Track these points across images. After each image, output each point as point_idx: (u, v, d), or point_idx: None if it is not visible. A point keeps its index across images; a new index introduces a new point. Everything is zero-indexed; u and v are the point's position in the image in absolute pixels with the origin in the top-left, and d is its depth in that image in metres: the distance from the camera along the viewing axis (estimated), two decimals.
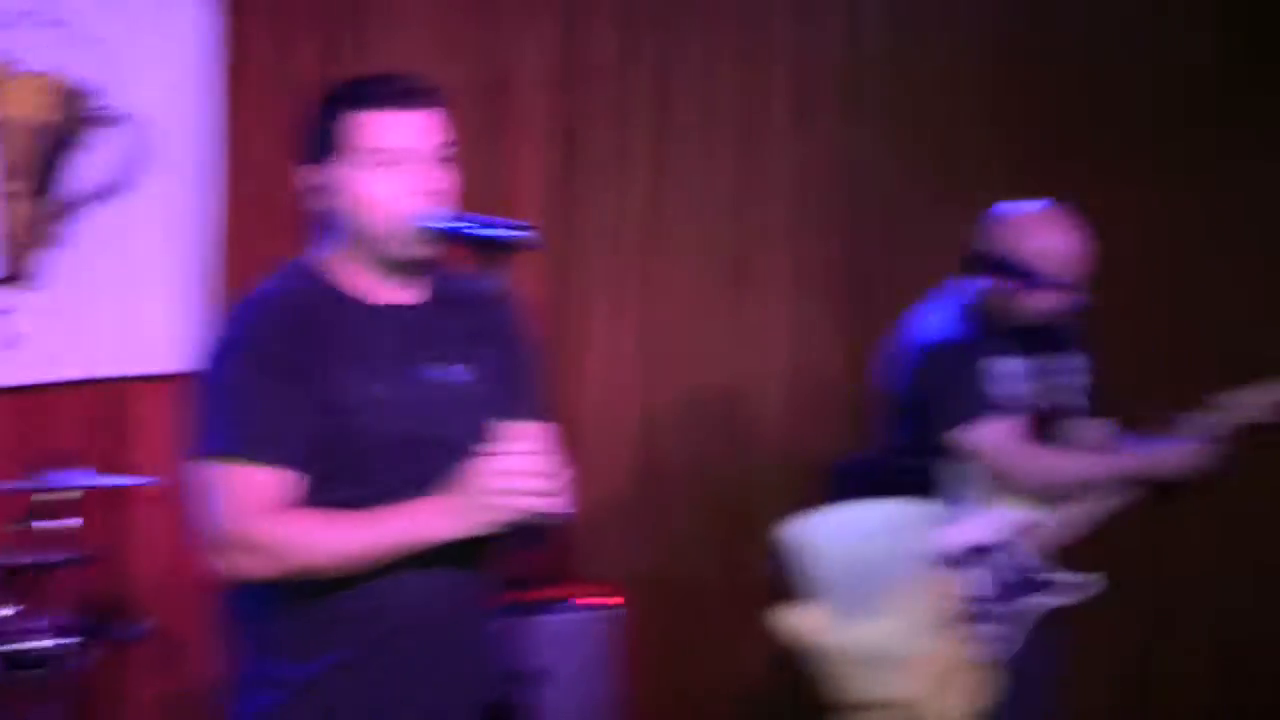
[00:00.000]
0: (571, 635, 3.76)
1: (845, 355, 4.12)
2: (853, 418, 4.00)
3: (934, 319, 3.39)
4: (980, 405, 3.29)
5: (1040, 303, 3.30)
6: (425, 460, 2.20)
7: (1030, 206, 3.41)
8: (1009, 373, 3.35)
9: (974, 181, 4.09)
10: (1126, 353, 4.03)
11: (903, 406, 3.33)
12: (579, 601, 3.84)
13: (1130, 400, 3.86)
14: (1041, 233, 3.32)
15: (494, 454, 2.09)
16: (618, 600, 3.79)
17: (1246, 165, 4.25)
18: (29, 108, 3.92)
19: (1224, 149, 4.29)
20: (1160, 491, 3.43)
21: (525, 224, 2.16)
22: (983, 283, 3.30)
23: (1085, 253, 3.32)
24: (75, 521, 3.59)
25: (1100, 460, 3.42)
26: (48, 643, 3.45)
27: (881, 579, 0.80)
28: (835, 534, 0.77)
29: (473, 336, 2.37)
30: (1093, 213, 3.54)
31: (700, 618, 4.10)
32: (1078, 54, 4.27)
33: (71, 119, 3.96)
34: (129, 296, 4.09)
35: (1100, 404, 3.55)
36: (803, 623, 0.82)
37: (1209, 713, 4.10)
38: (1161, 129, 4.25)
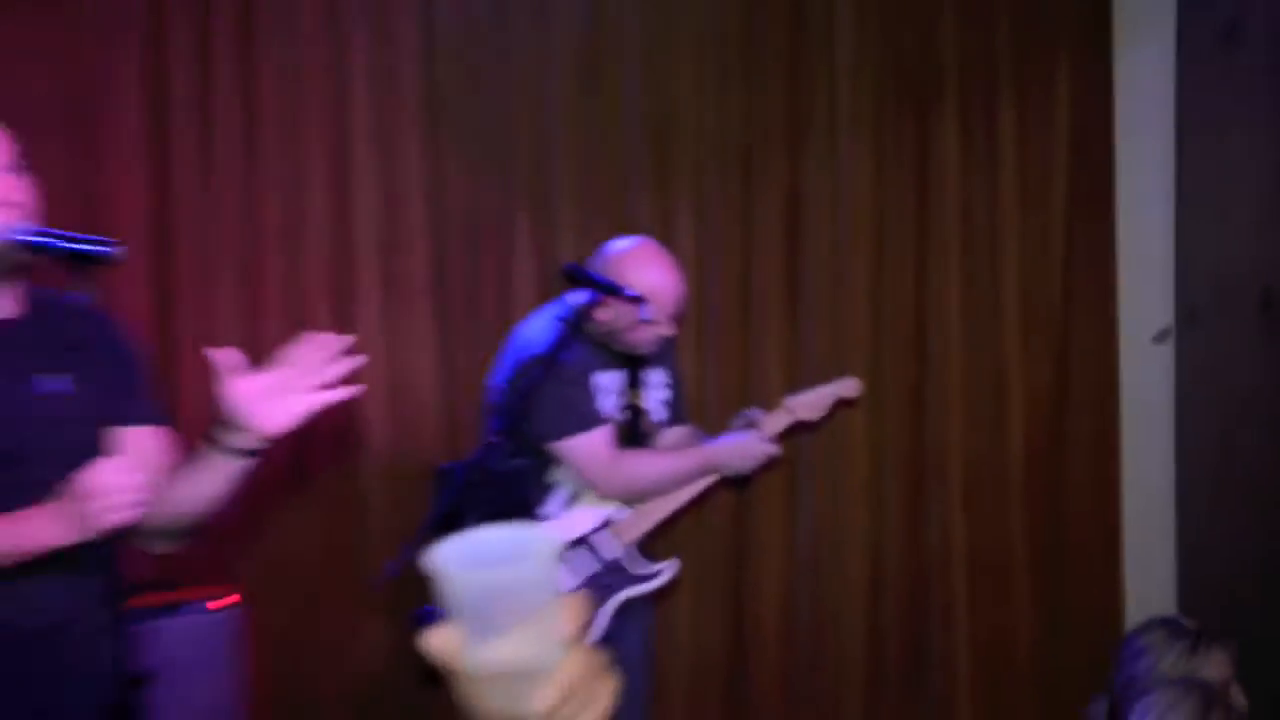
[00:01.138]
0: (189, 636, 3.71)
1: (437, 367, 4.25)
2: (449, 426, 4.17)
3: (538, 332, 3.45)
4: (577, 417, 3.42)
5: (640, 331, 3.43)
6: (30, 472, 2.15)
7: (637, 242, 3.55)
8: (604, 385, 3.49)
9: (560, 205, 4.32)
10: (710, 364, 4.41)
11: (505, 414, 3.35)
12: (196, 602, 3.77)
13: (713, 407, 4.25)
14: (645, 267, 3.45)
15: (101, 464, 2.04)
16: (234, 599, 3.76)
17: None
18: None
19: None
20: (732, 481, 3.66)
21: (112, 240, 2.09)
22: (587, 303, 3.38)
23: (680, 285, 3.50)
24: None
25: (678, 459, 3.59)
26: None
27: (510, 601, 0.87)
28: (464, 559, 0.82)
29: (73, 347, 2.33)
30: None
31: (316, 619, 4.08)
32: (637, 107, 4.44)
33: None
34: None
35: (681, 411, 3.77)
36: (441, 644, 0.88)
37: (791, 691, 4.48)
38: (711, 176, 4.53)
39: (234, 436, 2.17)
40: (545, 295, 3.88)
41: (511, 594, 0.97)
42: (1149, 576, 4.56)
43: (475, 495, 3.20)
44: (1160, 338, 4.46)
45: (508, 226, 4.27)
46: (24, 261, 2.20)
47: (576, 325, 3.31)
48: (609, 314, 3.37)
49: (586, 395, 3.46)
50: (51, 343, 2.36)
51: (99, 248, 2.07)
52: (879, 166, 4.45)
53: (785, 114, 4.41)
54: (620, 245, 3.51)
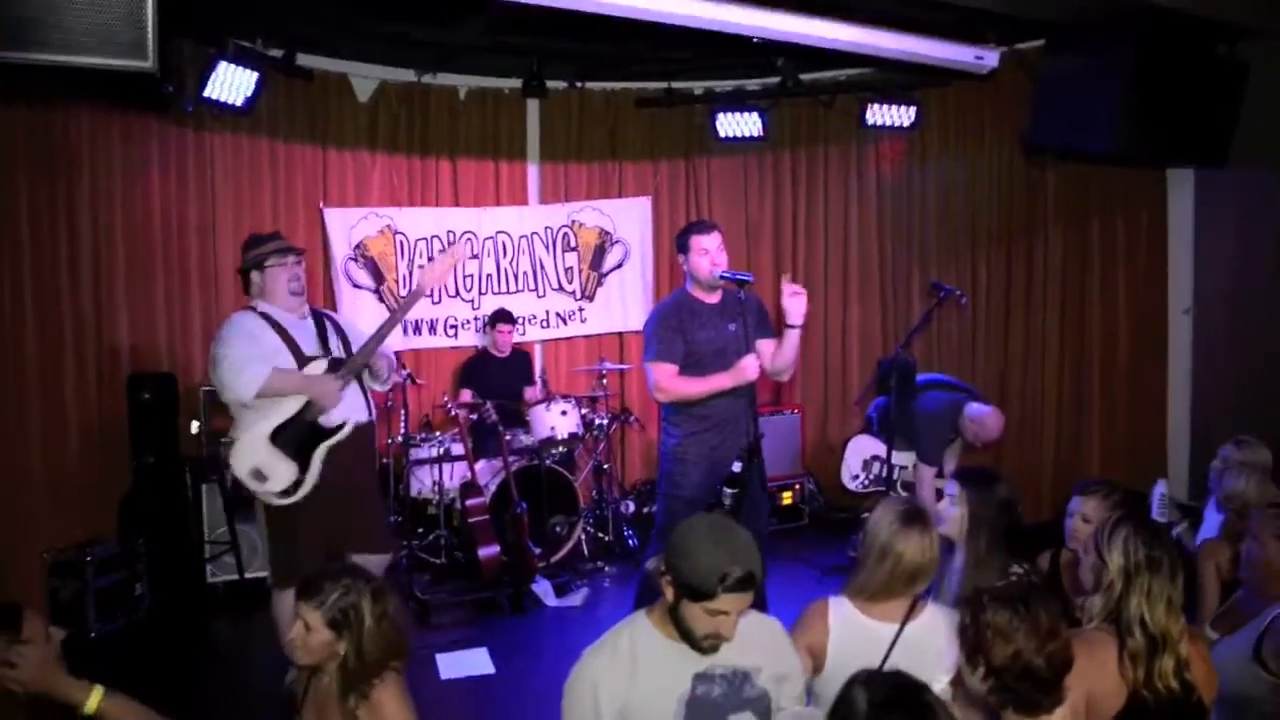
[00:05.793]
0: (775, 426, 9.26)
1: (883, 323, 9.99)
2: (892, 337, 9.79)
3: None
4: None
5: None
6: (724, 359, 5.41)
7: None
8: None
9: (927, 261, 9.80)
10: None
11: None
12: (786, 410, 9.39)
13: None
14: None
15: (748, 357, 5.27)
16: (797, 408, 9.66)
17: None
18: (591, 238, 9.91)
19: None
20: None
21: (750, 274, 5.40)
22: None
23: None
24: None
25: None
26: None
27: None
28: None
29: (737, 315, 5.47)
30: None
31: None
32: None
33: (604, 242, 9.92)
34: (624, 302, 9.99)
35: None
36: None
37: None
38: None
39: (788, 319, 5.37)
40: (925, 294, 9.40)
41: None
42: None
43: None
44: (1186, 312, 9.27)
45: (909, 266, 9.98)
46: (722, 284, 5.47)
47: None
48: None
49: None
50: (731, 310, 5.48)
51: (745, 276, 5.27)
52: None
53: (1023, 220, 9.72)
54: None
